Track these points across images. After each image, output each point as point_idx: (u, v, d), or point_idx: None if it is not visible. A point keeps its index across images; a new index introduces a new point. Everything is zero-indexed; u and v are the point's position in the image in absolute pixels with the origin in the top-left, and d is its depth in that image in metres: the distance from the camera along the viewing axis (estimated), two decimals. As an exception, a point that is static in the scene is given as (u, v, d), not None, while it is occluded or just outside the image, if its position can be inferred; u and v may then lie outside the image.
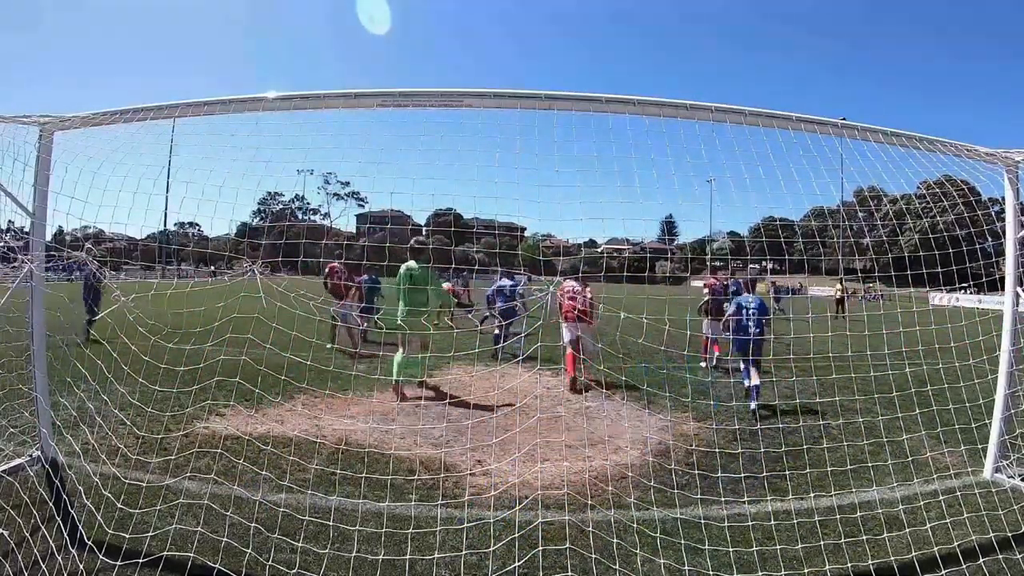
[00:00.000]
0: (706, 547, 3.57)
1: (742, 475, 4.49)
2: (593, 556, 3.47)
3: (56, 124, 4.51)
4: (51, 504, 3.76)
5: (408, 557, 3.39)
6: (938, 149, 4.69)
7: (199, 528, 3.51)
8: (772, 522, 3.92)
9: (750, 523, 3.91)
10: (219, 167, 4.41)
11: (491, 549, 3.47)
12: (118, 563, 3.15)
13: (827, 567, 3.43)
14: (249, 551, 3.35)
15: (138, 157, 4.60)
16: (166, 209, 5.09)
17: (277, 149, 4.41)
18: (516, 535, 3.60)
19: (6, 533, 3.31)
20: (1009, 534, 3.81)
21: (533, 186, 4.35)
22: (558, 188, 4.23)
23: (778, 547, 3.58)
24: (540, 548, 3.46)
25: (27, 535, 3.31)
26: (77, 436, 4.69)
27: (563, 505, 4.11)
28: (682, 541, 3.59)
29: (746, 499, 4.29)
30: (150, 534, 3.45)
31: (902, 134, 4.52)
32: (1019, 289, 4.85)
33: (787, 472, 4.66)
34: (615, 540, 3.58)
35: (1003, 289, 4.94)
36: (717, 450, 5.03)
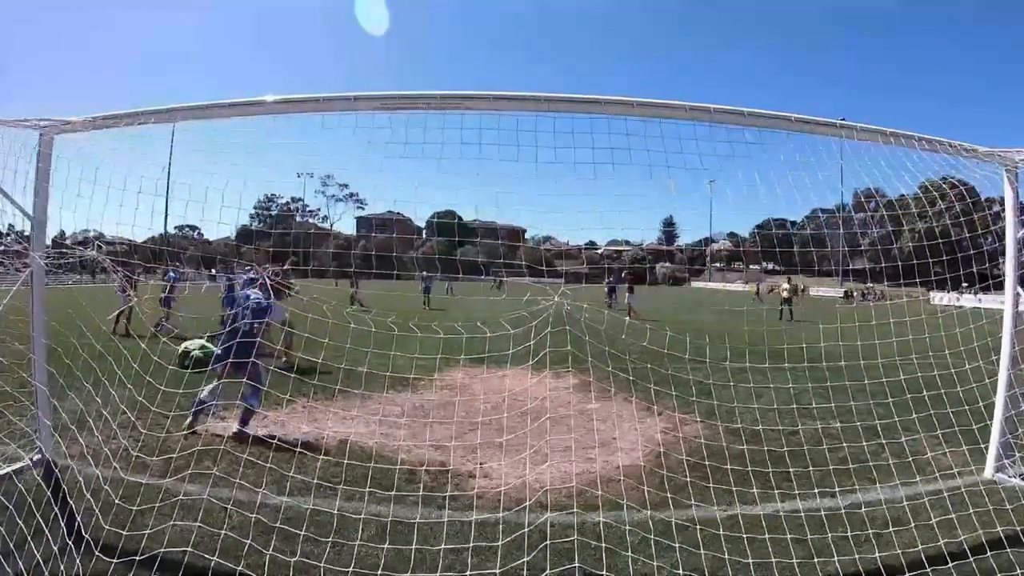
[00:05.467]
0: (722, 532, 3.65)
1: (749, 468, 4.53)
2: (603, 546, 3.51)
3: (56, 128, 4.52)
4: (55, 506, 3.74)
5: (413, 547, 3.43)
6: (936, 149, 4.70)
7: (197, 523, 3.52)
8: (784, 514, 3.97)
9: (762, 515, 3.97)
10: (219, 170, 4.43)
11: (498, 543, 3.48)
12: (114, 561, 3.16)
13: (835, 558, 3.46)
14: (248, 541, 3.36)
15: (138, 160, 4.63)
16: (166, 212, 5.11)
17: (277, 152, 4.42)
18: (525, 531, 3.61)
19: (7, 534, 3.30)
20: (1018, 528, 3.85)
21: (533, 189, 4.38)
22: (558, 191, 4.26)
23: (788, 537, 3.65)
24: (548, 542, 3.47)
25: (29, 537, 3.30)
26: (79, 438, 4.69)
27: (565, 506, 4.11)
28: (698, 527, 3.65)
29: (756, 489, 4.34)
30: (147, 531, 3.45)
31: (901, 134, 4.53)
32: (1019, 289, 4.85)
33: (791, 470, 4.67)
34: (627, 527, 3.61)
35: (1002, 289, 4.94)
36: (727, 446, 5.02)
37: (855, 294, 33.68)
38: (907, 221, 6.12)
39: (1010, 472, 4.95)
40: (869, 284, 24.30)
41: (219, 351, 5.71)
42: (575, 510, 3.97)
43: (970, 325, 5.11)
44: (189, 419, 5.65)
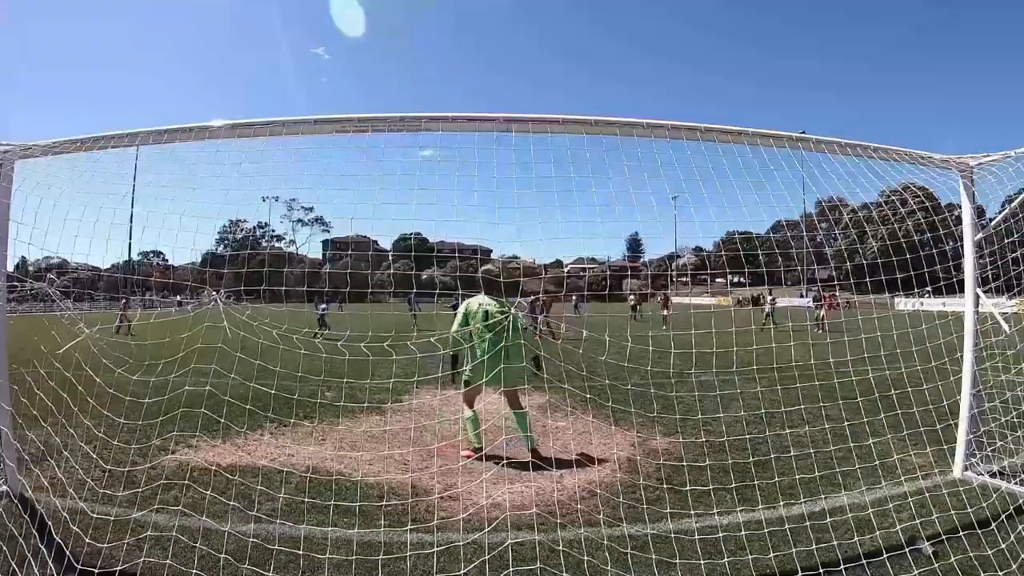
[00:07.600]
0: (677, 561, 3.55)
1: (710, 487, 4.47)
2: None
3: (16, 152, 4.45)
4: (20, 540, 3.63)
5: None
6: (893, 158, 4.82)
7: (168, 561, 3.45)
8: (743, 532, 3.91)
9: (720, 535, 3.91)
10: (181, 195, 4.38)
11: (462, 572, 3.43)
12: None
13: (799, 573, 3.43)
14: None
15: (101, 185, 4.57)
16: (130, 238, 5.04)
17: (238, 176, 4.39)
18: (486, 556, 3.57)
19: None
20: (993, 528, 3.86)
21: (494, 208, 4.39)
22: (520, 209, 4.28)
23: (749, 557, 3.59)
24: (511, 569, 3.44)
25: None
26: (44, 470, 4.58)
27: (533, 525, 4.08)
28: (652, 556, 3.58)
29: (716, 511, 4.28)
30: (119, 568, 3.39)
31: (857, 145, 4.64)
32: (979, 290, 4.97)
33: (756, 482, 4.68)
34: (586, 557, 3.56)
35: (963, 292, 5.06)
36: (684, 464, 4.97)
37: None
38: (870, 228, 6.25)
39: (977, 470, 5.03)
40: (835, 292, 24.56)
41: None
42: (536, 536, 3.93)
43: (931, 325, 5.19)
44: None
